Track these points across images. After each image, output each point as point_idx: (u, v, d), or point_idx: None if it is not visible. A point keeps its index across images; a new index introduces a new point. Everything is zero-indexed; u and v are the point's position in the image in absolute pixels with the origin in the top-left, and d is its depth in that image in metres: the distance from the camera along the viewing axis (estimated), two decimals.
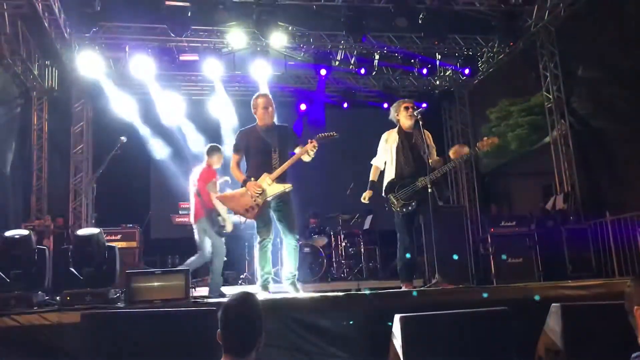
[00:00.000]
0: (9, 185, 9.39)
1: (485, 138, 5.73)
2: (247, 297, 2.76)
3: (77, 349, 3.76)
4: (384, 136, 6.07)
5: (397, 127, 6.00)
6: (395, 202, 5.69)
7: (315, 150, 5.32)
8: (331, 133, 5.46)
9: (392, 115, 6.05)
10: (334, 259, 10.28)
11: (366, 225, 10.52)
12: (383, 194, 5.83)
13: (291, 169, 5.49)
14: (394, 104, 6.07)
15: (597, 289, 4.83)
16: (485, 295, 4.59)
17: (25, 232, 4.79)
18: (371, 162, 6.15)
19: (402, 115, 5.89)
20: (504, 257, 7.32)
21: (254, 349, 2.66)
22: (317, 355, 4.22)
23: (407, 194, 5.68)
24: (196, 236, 6.64)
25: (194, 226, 6.65)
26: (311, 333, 4.27)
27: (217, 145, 7.06)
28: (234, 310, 2.69)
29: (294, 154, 5.49)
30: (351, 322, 4.29)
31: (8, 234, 4.72)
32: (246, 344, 2.64)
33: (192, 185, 6.79)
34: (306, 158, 5.41)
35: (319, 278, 9.51)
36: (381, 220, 10.05)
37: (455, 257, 6.68)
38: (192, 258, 6.64)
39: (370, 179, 6.06)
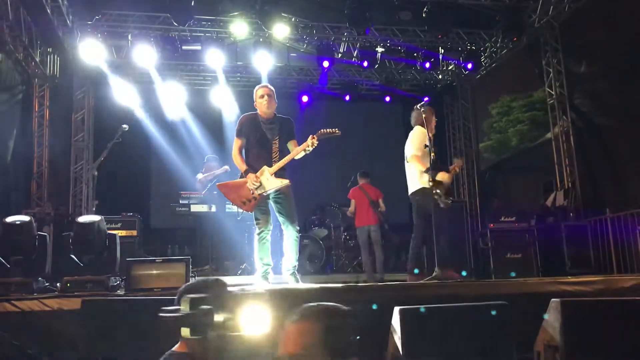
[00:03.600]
0: (10, 172, 9.39)
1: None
2: (212, 280, 2.59)
3: (77, 335, 3.77)
4: (424, 130, 6.24)
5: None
6: (443, 194, 5.85)
7: (314, 147, 5.29)
8: (334, 130, 5.42)
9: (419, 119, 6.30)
10: (333, 251, 10.29)
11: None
12: (431, 184, 5.89)
13: (290, 161, 5.48)
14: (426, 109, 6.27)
15: (596, 285, 4.84)
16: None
17: (26, 218, 4.80)
18: (416, 154, 6.24)
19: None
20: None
21: None
22: None
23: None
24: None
25: None
26: None
27: None
28: (195, 292, 2.40)
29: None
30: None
31: (9, 219, 4.72)
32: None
33: None
34: (299, 155, 5.39)
35: (318, 270, 9.53)
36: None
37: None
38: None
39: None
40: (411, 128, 6.63)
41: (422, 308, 3.49)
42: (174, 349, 2.42)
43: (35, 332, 4.04)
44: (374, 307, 4.10)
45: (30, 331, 4.05)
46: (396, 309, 3.50)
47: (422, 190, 6.13)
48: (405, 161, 6.45)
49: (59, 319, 4.04)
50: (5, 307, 4.12)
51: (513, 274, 6.70)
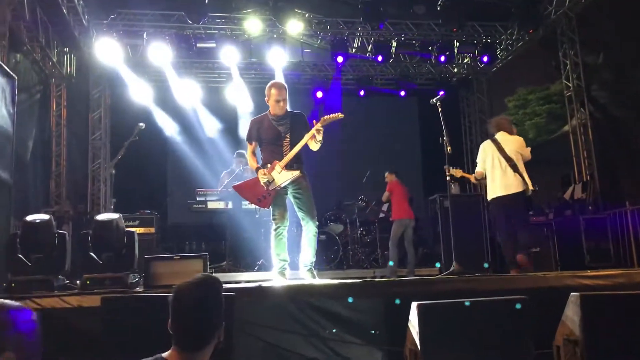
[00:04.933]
0: (29, 172, 9.50)
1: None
2: (206, 282, 2.35)
3: (97, 332, 3.81)
4: None
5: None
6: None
7: (322, 133, 5.29)
8: (336, 114, 5.42)
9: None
10: (350, 247, 10.29)
11: (382, 214, 10.50)
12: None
13: (307, 158, 5.49)
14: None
15: (616, 279, 4.78)
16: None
17: (45, 216, 4.85)
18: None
19: None
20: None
21: (209, 344, 2.28)
22: (333, 341, 4.24)
23: None
24: None
25: None
26: (327, 319, 4.29)
27: None
28: (187, 295, 2.27)
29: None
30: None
31: (29, 218, 4.78)
32: (199, 337, 2.25)
33: None
34: (313, 146, 5.39)
35: (335, 265, 9.53)
36: None
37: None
38: None
39: None
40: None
41: (467, 302, 3.46)
42: (164, 355, 2.28)
43: (56, 330, 4.09)
44: (397, 302, 4.09)
45: (51, 329, 4.10)
46: (414, 304, 3.49)
47: (523, 192, 6.28)
48: (506, 163, 6.39)
49: (79, 316, 4.08)
50: (27, 305, 4.17)
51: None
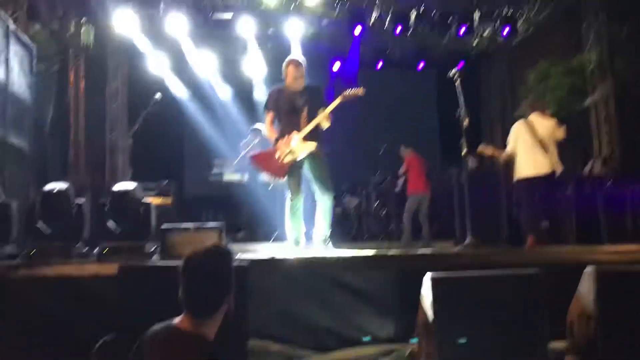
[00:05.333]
0: (48, 142, 9.58)
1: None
2: (215, 251, 2.45)
3: (113, 300, 3.87)
4: None
5: None
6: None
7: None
8: (357, 90, 5.38)
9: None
10: (364, 220, 10.30)
11: (398, 187, 10.47)
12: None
13: (324, 131, 5.47)
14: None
15: (634, 255, 4.74)
16: None
17: (64, 185, 4.90)
18: None
19: None
20: None
21: (218, 311, 2.36)
22: (347, 311, 4.27)
23: None
24: None
25: None
26: (342, 290, 4.32)
27: None
28: (197, 264, 2.36)
29: None
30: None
31: (47, 187, 4.83)
32: (207, 304, 2.34)
33: None
34: (324, 124, 5.38)
35: (350, 238, 9.56)
36: None
37: None
38: None
39: None
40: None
41: (481, 274, 3.47)
42: (175, 321, 2.37)
43: (74, 296, 4.17)
44: (411, 274, 4.10)
45: (68, 296, 4.19)
46: (427, 276, 3.49)
47: (553, 174, 6.42)
48: (538, 145, 6.44)
49: (96, 284, 4.16)
50: (46, 272, 4.26)
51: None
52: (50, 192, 4.78)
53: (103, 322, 3.96)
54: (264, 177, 8.00)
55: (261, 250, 5.68)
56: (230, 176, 9.08)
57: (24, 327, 4.12)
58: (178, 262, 2.45)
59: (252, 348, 3.95)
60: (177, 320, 2.36)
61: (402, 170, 9.34)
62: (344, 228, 9.65)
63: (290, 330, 4.24)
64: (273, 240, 8.50)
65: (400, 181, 10.30)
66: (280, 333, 4.22)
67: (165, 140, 11.88)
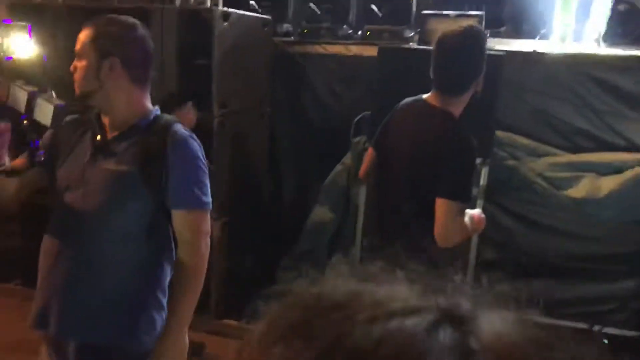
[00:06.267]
0: None
1: None
2: (468, 31, 2.47)
3: (372, 79, 4.17)
4: None
5: None
6: None
7: None
8: None
9: None
10: None
11: None
12: None
13: None
14: None
15: None
16: None
17: None
18: None
19: None
20: None
21: (465, 90, 2.41)
22: (610, 115, 3.99)
23: None
24: None
25: None
26: (607, 93, 4.00)
27: None
28: (451, 42, 2.41)
29: None
30: None
31: None
32: (455, 82, 2.42)
33: None
34: None
35: (631, 40, 8.43)
36: None
37: None
38: None
39: None
40: None
41: None
42: (424, 96, 2.59)
43: (340, 72, 4.60)
44: None
45: (333, 72, 4.62)
46: None
47: None
48: None
49: (359, 64, 4.48)
50: (317, 50, 4.70)
51: None
52: None
53: (361, 99, 4.35)
54: None
55: (522, 46, 5.38)
56: None
57: (294, 96, 4.73)
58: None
59: (500, 138, 4.00)
60: (426, 95, 2.54)
61: None
62: (627, 27, 8.47)
63: (542, 128, 4.15)
64: (539, 38, 7.92)
65: None
66: (530, 130, 4.16)
67: None
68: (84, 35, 2.01)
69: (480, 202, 3.79)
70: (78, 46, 2.01)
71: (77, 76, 2.00)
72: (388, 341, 0.32)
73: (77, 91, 2.02)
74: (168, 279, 2.07)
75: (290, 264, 4.40)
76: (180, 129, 2.04)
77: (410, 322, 0.33)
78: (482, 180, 3.79)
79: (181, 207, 2.00)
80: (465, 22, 4.38)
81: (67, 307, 1.99)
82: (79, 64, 2.00)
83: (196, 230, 2.01)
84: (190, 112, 3.40)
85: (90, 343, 2.00)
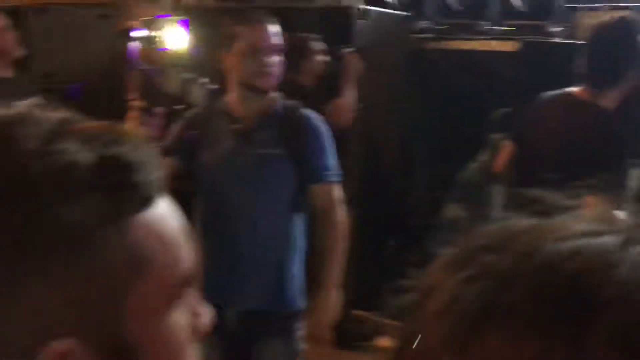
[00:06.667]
0: None
1: None
2: (623, 22, 2.34)
3: (510, 75, 4.05)
4: None
5: None
6: None
7: None
8: None
9: None
10: None
11: None
12: None
13: None
14: None
15: None
16: None
17: None
18: None
19: None
20: None
21: (619, 83, 2.25)
22: None
23: None
24: None
25: None
26: None
27: None
28: (604, 33, 2.30)
29: None
30: None
31: None
32: (609, 74, 2.27)
33: None
34: None
35: None
36: None
37: None
38: None
39: None
40: None
41: None
42: (570, 90, 2.48)
43: (476, 70, 4.50)
44: None
45: (472, 68, 4.53)
46: None
47: None
48: None
49: (497, 59, 4.36)
50: (454, 45, 4.63)
51: None
52: None
53: (499, 95, 4.23)
54: None
55: None
56: None
57: (430, 92, 4.69)
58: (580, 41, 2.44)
59: None
60: (573, 89, 2.44)
61: None
62: None
63: None
64: None
65: None
66: None
67: None
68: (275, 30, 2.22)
69: (627, 206, 3.52)
70: (274, 41, 2.20)
71: (276, 70, 2.20)
72: (578, 255, 0.33)
73: (273, 84, 2.21)
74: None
75: (420, 260, 4.36)
76: (309, 113, 2.27)
77: (599, 240, 0.34)
78: (634, 183, 3.53)
79: (322, 181, 2.24)
80: (618, 14, 4.14)
81: (228, 279, 2.21)
82: (279, 59, 2.21)
83: (335, 200, 2.25)
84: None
85: (248, 310, 2.24)
